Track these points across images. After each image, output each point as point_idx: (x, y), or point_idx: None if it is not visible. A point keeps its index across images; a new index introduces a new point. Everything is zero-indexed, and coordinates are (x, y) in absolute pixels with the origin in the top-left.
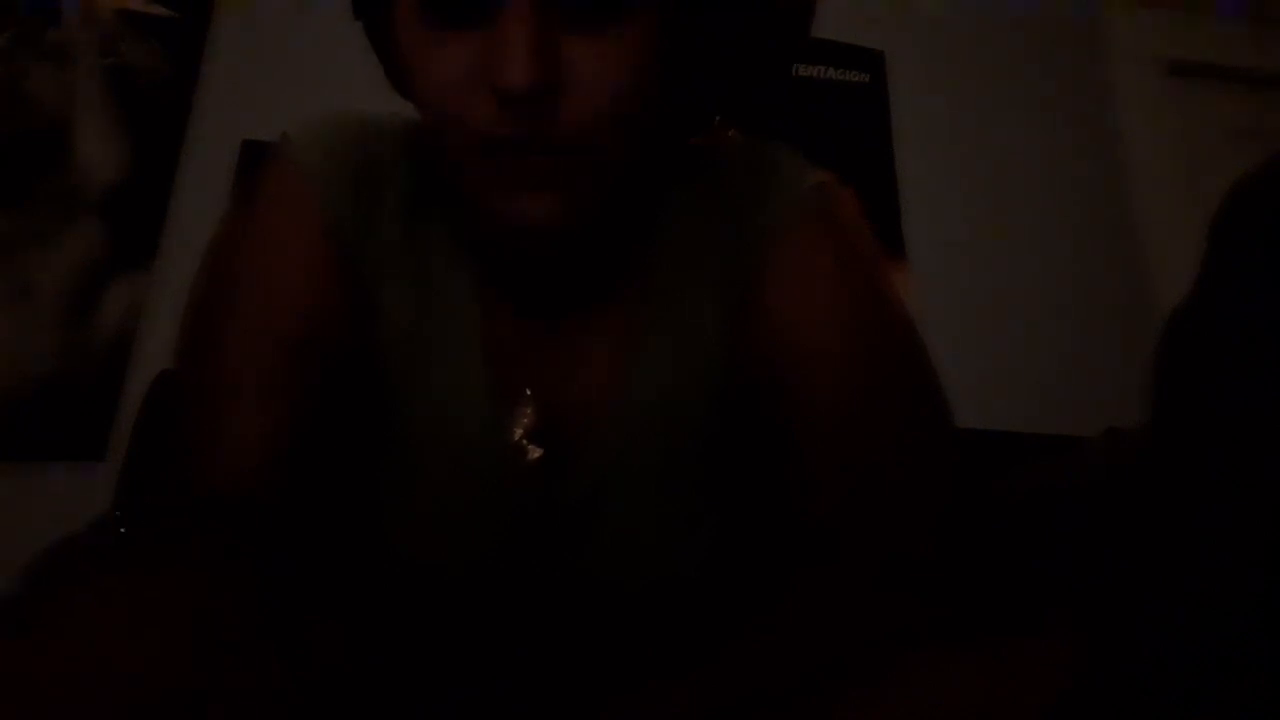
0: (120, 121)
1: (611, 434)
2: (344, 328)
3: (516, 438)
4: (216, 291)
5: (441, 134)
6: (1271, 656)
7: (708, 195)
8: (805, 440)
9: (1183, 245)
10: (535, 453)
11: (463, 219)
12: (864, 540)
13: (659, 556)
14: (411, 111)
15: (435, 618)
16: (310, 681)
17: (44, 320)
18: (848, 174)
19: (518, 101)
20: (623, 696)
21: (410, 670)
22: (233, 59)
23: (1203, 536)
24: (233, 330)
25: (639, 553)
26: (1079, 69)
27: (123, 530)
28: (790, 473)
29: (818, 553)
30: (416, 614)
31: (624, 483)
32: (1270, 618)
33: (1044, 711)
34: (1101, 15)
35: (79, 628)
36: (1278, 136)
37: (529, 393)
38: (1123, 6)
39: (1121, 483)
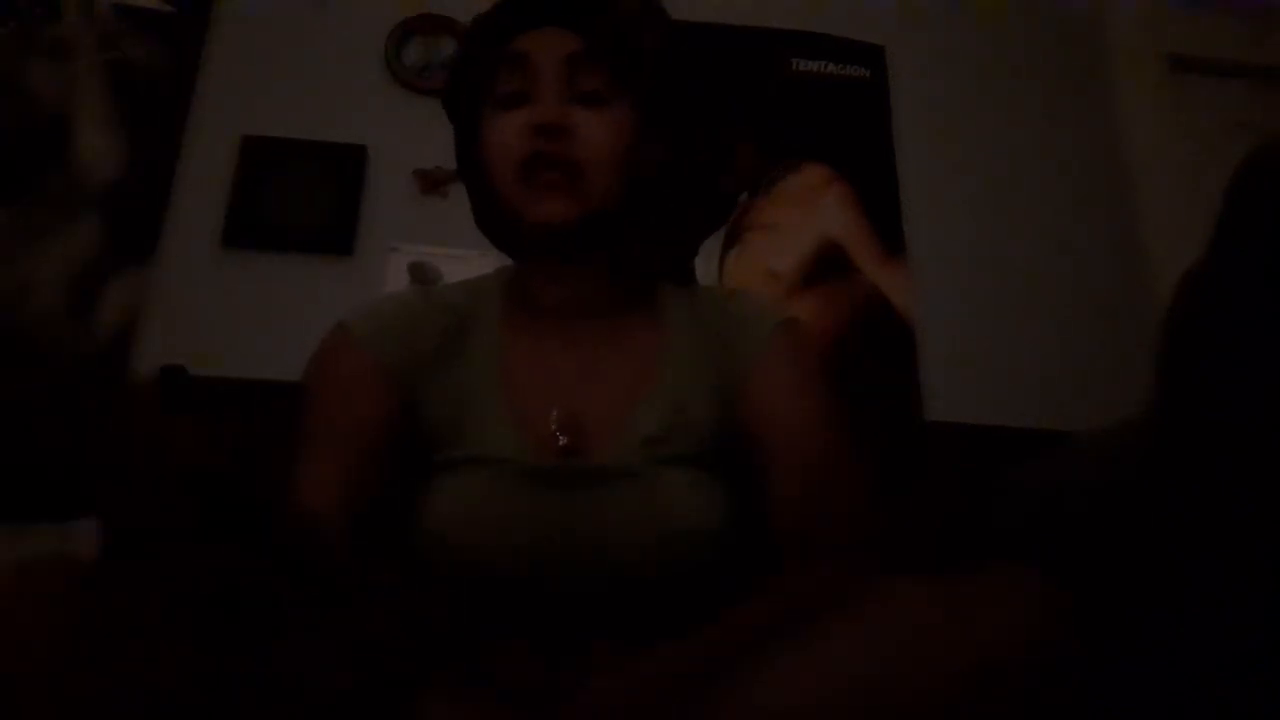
0: (120, 117)
1: (625, 432)
2: (387, 422)
3: (552, 429)
4: (308, 417)
5: (499, 170)
6: (1274, 653)
7: (704, 320)
8: (777, 484)
9: (1184, 241)
10: (564, 439)
11: (490, 306)
12: (817, 537)
13: (670, 515)
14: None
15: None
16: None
17: (44, 316)
18: (848, 170)
19: (543, 129)
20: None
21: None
22: (232, 55)
23: (1211, 521)
24: (314, 441)
25: (656, 499)
26: (1080, 64)
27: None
28: (769, 502)
29: (785, 554)
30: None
31: (639, 459)
32: (1274, 612)
33: (1010, 630)
34: (1102, 10)
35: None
36: (1278, 130)
37: (560, 400)
38: (1124, 2)
39: (1124, 478)
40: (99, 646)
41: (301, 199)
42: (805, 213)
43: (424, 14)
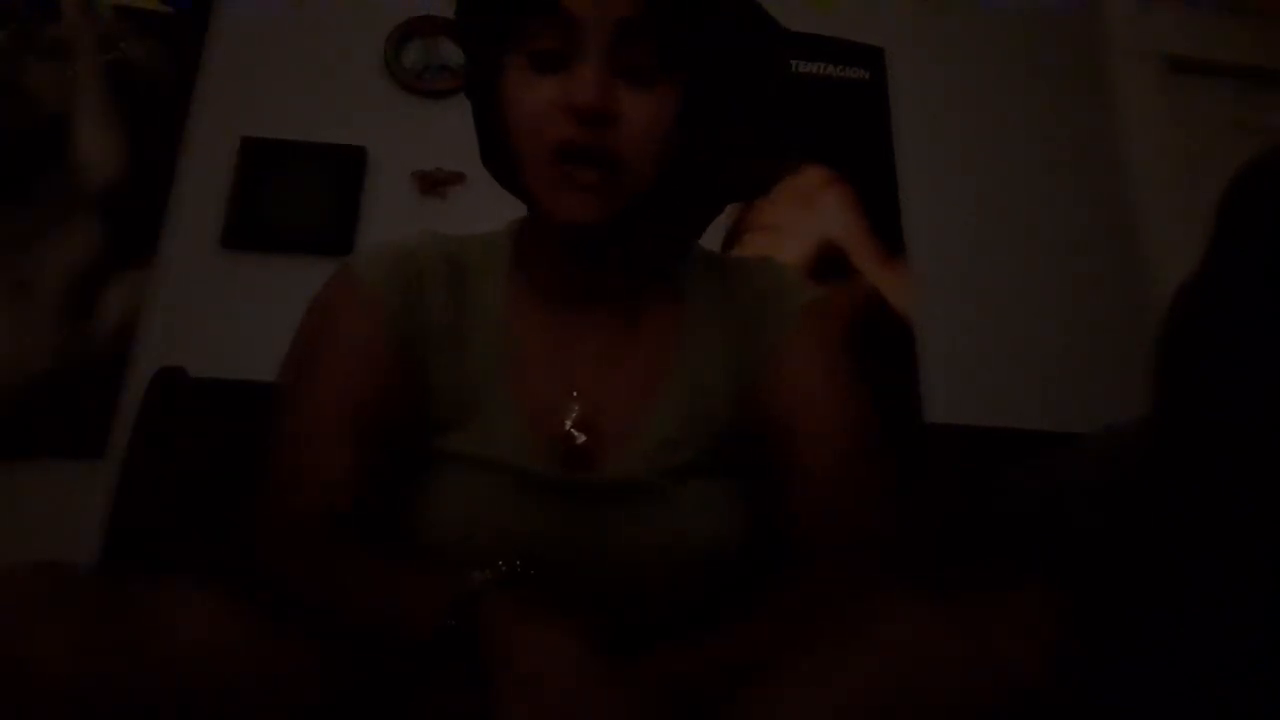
0: (119, 118)
1: (642, 431)
2: (397, 390)
3: (567, 427)
4: (306, 372)
5: (527, 147)
6: (1274, 653)
7: (729, 295)
8: (797, 481)
9: (1182, 241)
10: (581, 438)
11: (497, 274)
12: (841, 540)
13: (687, 524)
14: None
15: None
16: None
17: (43, 317)
18: (848, 171)
19: (584, 115)
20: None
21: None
22: (232, 55)
23: (1211, 521)
24: (316, 401)
25: (670, 519)
26: (1078, 65)
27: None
28: (790, 494)
29: (803, 553)
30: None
31: (655, 466)
32: (1274, 612)
33: (1026, 658)
34: (1101, 11)
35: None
36: (1277, 132)
37: (575, 394)
38: (1122, 3)
39: (1124, 478)
40: (111, 648)
41: (301, 200)
42: (805, 213)
43: (423, 15)
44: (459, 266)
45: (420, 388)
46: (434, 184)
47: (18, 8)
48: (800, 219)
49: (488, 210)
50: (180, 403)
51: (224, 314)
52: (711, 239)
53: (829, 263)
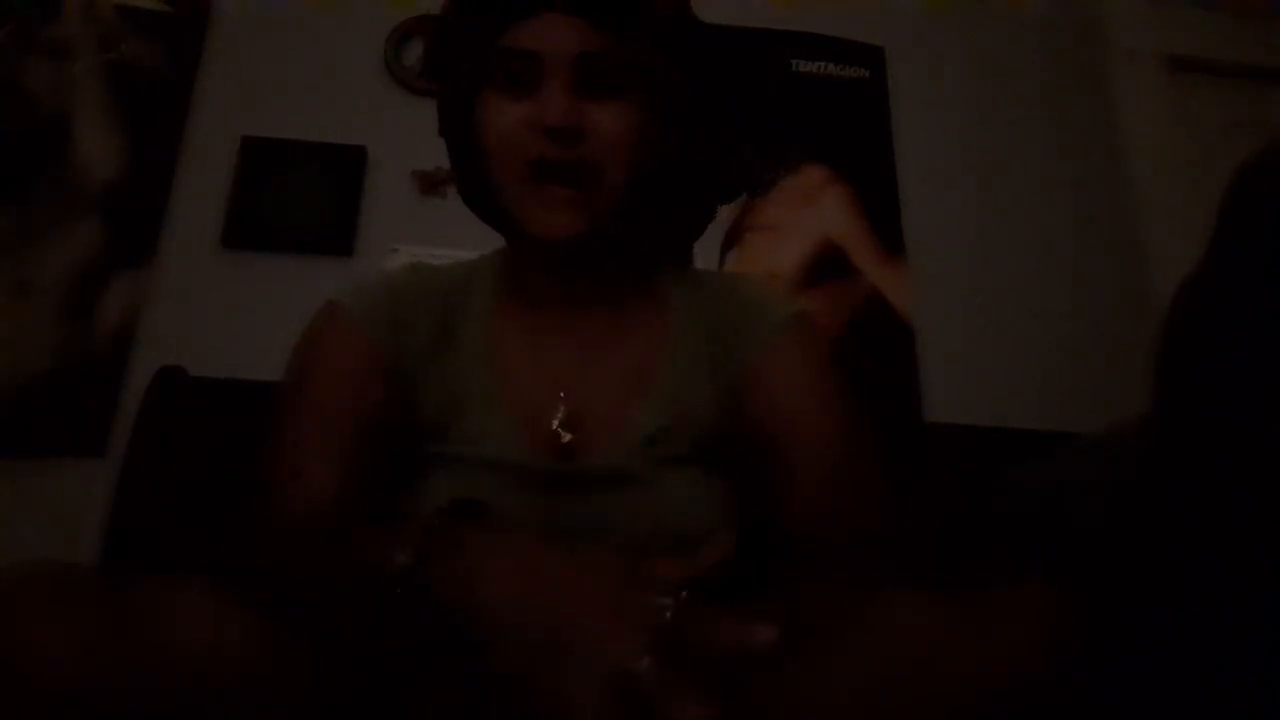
0: (119, 118)
1: (628, 427)
2: (397, 391)
3: (554, 426)
4: (298, 388)
5: (503, 168)
6: (1274, 653)
7: (713, 304)
8: (791, 483)
9: (1183, 241)
10: (567, 436)
11: (483, 290)
12: (841, 541)
13: (680, 514)
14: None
15: None
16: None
17: (43, 317)
18: (848, 170)
19: (555, 133)
20: None
21: None
22: (232, 55)
23: (1211, 521)
24: (311, 404)
25: (661, 508)
26: (1079, 65)
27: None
28: (781, 493)
29: (800, 545)
30: None
31: (640, 461)
32: (1274, 612)
33: (1026, 657)
34: (1101, 11)
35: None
36: (1278, 132)
37: (562, 394)
38: (1123, 2)
39: (1124, 478)
40: (111, 648)
41: (301, 199)
42: (805, 213)
43: (424, 15)
44: (443, 290)
45: (409, 399)
46: (434, 184)
47: (18, 7)
48: (800, 219)
49: None
50: (180, 403)
51: (224, 314)
52: (711, 239)
53: (829, 262)
